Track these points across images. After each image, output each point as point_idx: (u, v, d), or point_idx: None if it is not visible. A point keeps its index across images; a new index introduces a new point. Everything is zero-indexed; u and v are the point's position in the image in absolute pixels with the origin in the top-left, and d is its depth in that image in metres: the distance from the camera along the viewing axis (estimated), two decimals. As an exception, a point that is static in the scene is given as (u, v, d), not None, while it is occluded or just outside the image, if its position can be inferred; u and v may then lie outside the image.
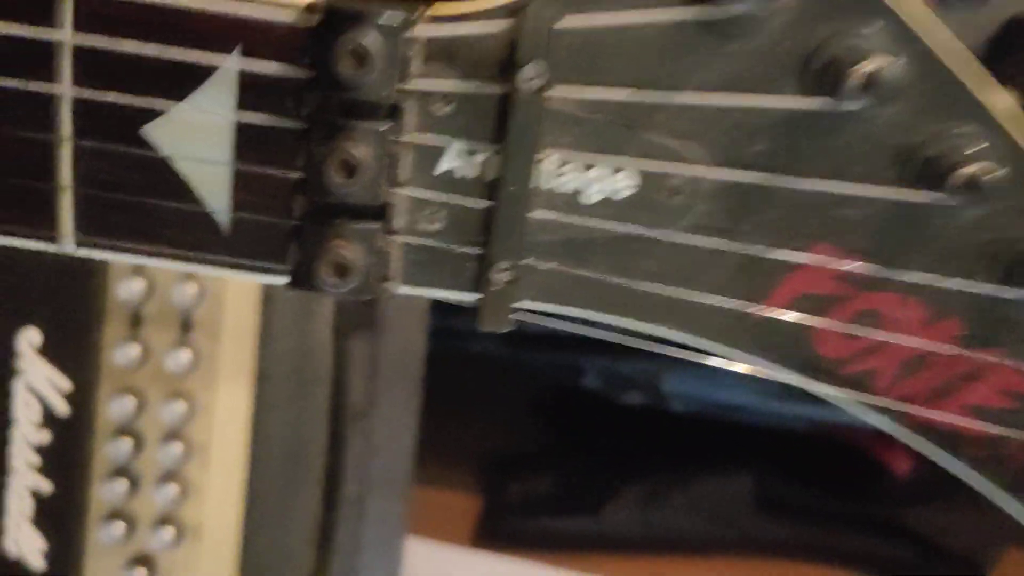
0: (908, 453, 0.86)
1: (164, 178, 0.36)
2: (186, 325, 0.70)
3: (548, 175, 0.36)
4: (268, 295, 0.70)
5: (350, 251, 0.36)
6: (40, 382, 0.70)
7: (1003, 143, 0.34)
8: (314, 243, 0.36)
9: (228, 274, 0.36)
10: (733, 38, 0.34)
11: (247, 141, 0.35)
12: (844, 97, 0.34)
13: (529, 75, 0.34)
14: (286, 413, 0.72)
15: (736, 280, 0.37)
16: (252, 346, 0.71)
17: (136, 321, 0.70)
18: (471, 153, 0.36)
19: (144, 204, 0.36)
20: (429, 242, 0.37)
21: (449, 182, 0.36)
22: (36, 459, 0.71)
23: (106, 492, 0.69)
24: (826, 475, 0.97)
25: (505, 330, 0.37)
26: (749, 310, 0.37)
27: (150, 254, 0.36)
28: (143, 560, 0.69)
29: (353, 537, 0.74)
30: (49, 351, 0.70)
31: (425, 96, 0.35)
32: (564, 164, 0.35)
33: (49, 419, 0.70)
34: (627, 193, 0.36)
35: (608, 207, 0.36)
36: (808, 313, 0.37)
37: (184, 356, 0.70)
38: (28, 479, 0.71)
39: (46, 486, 0.71)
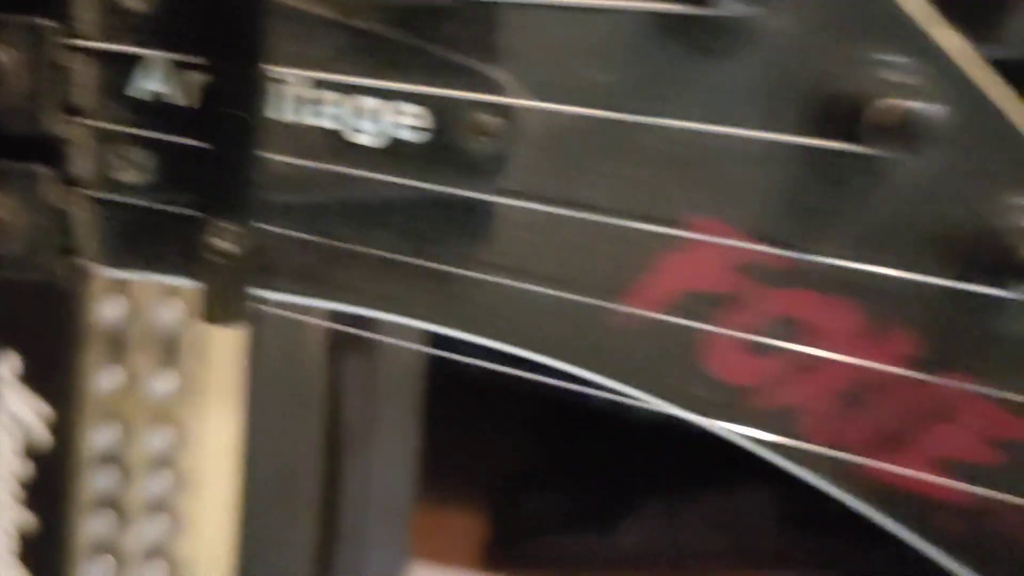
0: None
1: None
2: (172, 347, 0.60)
3: (293, 102, 0.21)
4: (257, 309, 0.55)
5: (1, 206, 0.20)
6: (21, 410, 0.60)
7: (946, 75, 0.20)
8: None
9: None
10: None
11: None
12: None
13: None
14: (279, 438, 0.63)
15: (583, 267, 0.22)
16: (241, 366, 0.61)
17: (119, 344, 0.60)
18: (181, 67, 0.21)
19: None
20: (134, 199, 0.22)
21: (153, 110, 0.22)
22: (20, 491, 0.61)
23: (93, 525, 0.61)
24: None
25: (237, 325, 0.22)
26: (603, 311, 0.21)
27: None
28: (133, 597, 0.62)
29: (353, 567, 0.63)
30: (30, 377, 0.59)
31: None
32: (318, 87, 0.21)
33: (31, 449, 0.60)
34: (417, 136, 0.21)
35: (388, 155, 0.21)
36: (694, 319, 0.22)
37: (170, 380, 0.60)
38: (13, 513, 0.61)
39: (31, 520, 0.61)
